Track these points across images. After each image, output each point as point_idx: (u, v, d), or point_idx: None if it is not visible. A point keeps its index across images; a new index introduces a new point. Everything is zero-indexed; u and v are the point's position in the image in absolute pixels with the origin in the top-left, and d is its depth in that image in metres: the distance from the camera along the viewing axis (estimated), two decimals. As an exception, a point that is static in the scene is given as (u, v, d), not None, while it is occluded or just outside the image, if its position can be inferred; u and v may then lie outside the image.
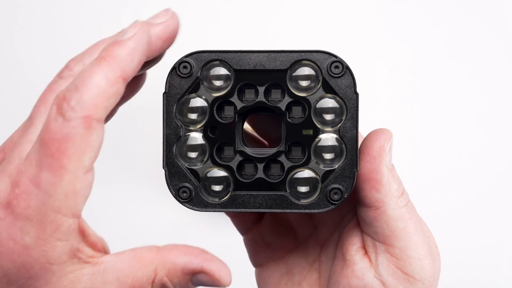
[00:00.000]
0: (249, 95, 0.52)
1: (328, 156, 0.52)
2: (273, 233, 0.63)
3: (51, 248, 0.48)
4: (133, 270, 0.50)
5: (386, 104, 0.93)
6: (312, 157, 0.52)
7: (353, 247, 0.56)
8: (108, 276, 0.50)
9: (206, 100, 0.52)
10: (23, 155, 0.48)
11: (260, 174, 0.53)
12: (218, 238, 0.88)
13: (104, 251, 0.52)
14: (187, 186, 0.52)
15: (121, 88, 0.48)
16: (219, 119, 0.52)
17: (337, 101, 0.51)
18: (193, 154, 0.52)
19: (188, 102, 0.52)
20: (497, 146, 0.93)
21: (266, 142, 0.63)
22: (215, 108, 0.52)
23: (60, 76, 0.51)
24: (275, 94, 0.52)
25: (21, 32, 0.94)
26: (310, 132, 0.52)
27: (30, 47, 0.94)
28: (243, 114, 0.53)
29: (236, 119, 0.52)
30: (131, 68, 0.48)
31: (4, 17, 0.94)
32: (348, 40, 0.93)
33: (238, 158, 0.53)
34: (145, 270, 0.50)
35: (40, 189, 0.46)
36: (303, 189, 0.52)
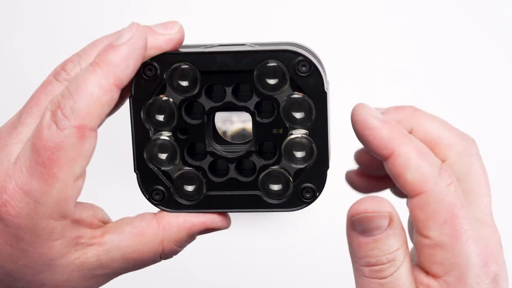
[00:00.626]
0: (217, 94, 0.52)
1: (298, 154, 0.51)
2: None
3: (49, 249, 0.48)
4: (138, 246, 0.51)
5: (384, 103, 0.93)
6: (283, 156, 0.51)
7: None
8: (113, 254, 0.50)
9: (174, 102, 0.51)
10: (12, 158, 0.48)
11: (232, 173, 0.52)
12: (218, 237, 0.88)
13: (103, 221, 0.52)
14: (159, 188, 0.52)
15: (115, 95, 0.48)
16: (188, 120, 0.52)
17: (305, 100, 0.51)
18: (163, 156, 0.52)
19: (155, 104, 0.51)
20: (496, 145, 0.92)
21: None
22: (183, 109, 0.52)
23: (56, 77, 0.51)
24: (244, 92, 0.52)
25: (21, 32, 0.94)
26: (280, 131, 0.51)
27: (30, 47, 0.95)
28: (212, 114, 0.53)
29: (205, 119, 0.52)
30: (125, 74, 0.48)
31: (4, 17, 0.94)
32: (347, 39, 0.92)
33: (209, 158, 0.52)
34: (150, 245, 0.51)
35: (30, 197, 0.47)
36: (275, 187, 0.52)
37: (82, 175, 0.48)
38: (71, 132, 0.46)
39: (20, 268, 0.49)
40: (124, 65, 0.47)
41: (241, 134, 0.56)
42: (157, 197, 0.52)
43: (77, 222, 0.50)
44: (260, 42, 0.54)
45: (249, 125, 0.55)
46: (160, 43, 0.51)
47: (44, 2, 0.94)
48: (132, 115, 0.52)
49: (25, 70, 0.94)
